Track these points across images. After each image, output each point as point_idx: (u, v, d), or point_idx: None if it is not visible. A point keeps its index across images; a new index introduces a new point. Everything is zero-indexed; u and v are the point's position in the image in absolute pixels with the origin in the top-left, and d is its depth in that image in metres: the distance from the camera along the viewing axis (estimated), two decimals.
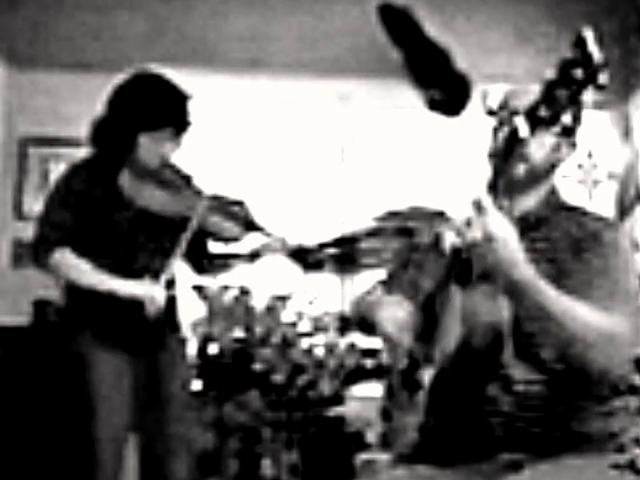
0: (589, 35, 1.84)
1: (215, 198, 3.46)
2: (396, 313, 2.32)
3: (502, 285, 1.97)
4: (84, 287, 3.34)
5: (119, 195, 3.37)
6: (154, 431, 3.45)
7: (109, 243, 3.36)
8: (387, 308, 2.35)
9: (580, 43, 1.85)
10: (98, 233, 3.36)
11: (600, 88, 1.86)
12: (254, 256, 3.66)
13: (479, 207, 1.93)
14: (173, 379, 3.47)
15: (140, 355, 3.42)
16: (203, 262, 3.65)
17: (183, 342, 3.61)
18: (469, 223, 1.94)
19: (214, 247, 3.66)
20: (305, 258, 3.59)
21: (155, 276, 3.37)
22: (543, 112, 1.88)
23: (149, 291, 3.33)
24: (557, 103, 1.87)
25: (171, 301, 3.50)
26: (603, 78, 1.85)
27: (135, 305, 3.34)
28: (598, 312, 1.99)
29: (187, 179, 3.53)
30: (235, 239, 3.55)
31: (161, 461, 3.44)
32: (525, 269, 1.94)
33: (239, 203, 3.54)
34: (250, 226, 3.52)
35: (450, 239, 2.12)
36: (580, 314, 1.96)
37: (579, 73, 1.84)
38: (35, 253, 3.37)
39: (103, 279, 3.33)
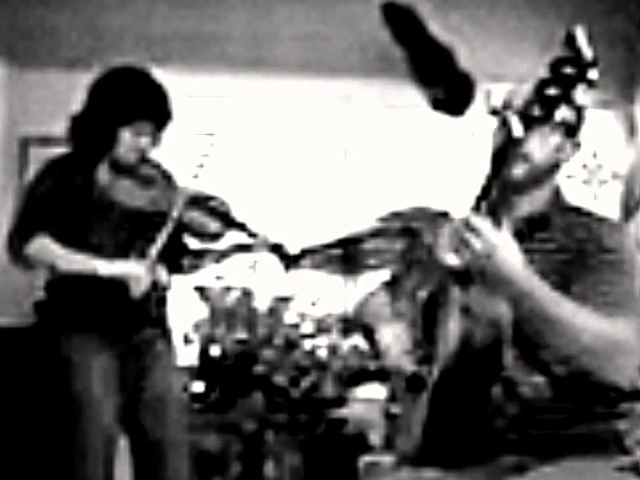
0: (579, 32, 1.85)
1: (195, 194, 3.44)
2: (396, 338, 2.32)
3: (509, 297, 1.98)
4: (65, 271, 3.31)
5: (96, 190, 3.36)
6: (147, 433, 3.43)
7: (86, 239, 3.34)
8: (388, 330, 2.35)
9: (570, 40, 1.85)
10: (74, 229, 3.34)
11: (591, 85, 1.86)
12: (232, 253, 3.64)
13: (469, 226, 1.94)
14: (164, 379, 3.45)
15: (126, 350, 3.39)
16: (180, 260, 3.64)
17: (171, 342, 3.58)
18: (464, 243, 1.94)
19: (192, 244, 3.64)
20: (286, 255, 3.57)
21: None
22: (535, 111, 1.88)
23: (134, 270, 3.30)
24: (549, 101, 1.87)
25: (161, 294, 3.49)
26: (592, 75, 1.85)
27: (119, 293, 3.32)
28: (603, 320, 1.98)
29: (166, 175, 3.52)
30: (215, 236, 3.53)
31: (154, 465, 3.42)
32: (527, 281, 1.95)
33: (219, 200, 3.53)
34: (230, 222, 3.51)
35: (454, 237, 2.10)
36: (585, 323, 1.96)
37: (569, 70, 1.85)
38: (10, 244, 3.35)
39: (84, 260, 3.31)
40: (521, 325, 2.05)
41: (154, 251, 3.36)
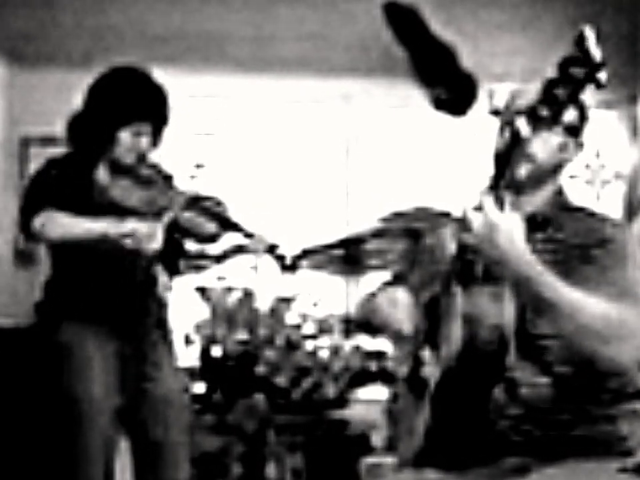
0: (589, 33, 1.84)
1: (193, 196, 3.43)
2: (396, 303, 2.32)
3: (509, 279, 1.98)
4: (76, 238, 3.27)
5: (96, 190, 3.35)
6: (148, 434, 3.43)
7: None
8: (388, 300, 2.35)
9: (580, 41, 1.84)
10: None
11: (600, 86, 1.85)
12: (231, 254, 3.63)
13: (479, 206, 1.95)
14: (166, 380, 3.44)
15: (127, 351, 3.38)
16: (177, 262, 3.62)
17: (172, 343, 3.57)
18: (470, 223, 1.94)
19: (191, 246, 3.63)
20: (282, 257, 3.55)
21: None
22: (543, 111, 1.88)
23: (146, 227, 3.28)
24: (557, 102, 1.87)
25: (162, 295, 3.48)
26: (602, 76, 1.84)
27: (120, 293, 3.33)
28: (604, 302, 1.98)
29: (165, 177, 3.51)
30: (213, 238, 3.52)
31: (155, 466, 3.41)
32: (531, 261, 1.95)
33: (216, 200, 3.52)
34: (228, 224, 3.49)
35: (457, 236, 2.10)
36: (589, 305, 1.96)
37: (578, 71, 1.84)
38: (21, 222, 3.34)
39: (93, 224, 3.25)
40: (524, 309, 2.06)
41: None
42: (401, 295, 2.33)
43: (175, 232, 3.43)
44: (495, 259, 1.95)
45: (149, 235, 3.25)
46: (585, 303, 1.95)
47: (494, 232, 1.92)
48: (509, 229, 1.93)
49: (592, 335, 1.94)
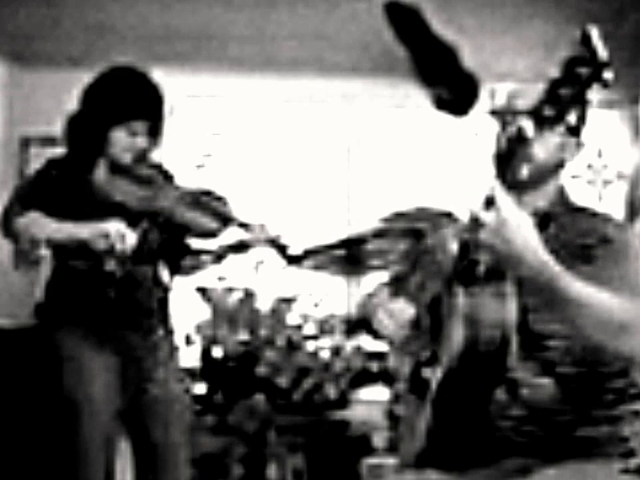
0: (593, 32, 1.83)
1: (193, 193, 3.42)
2: (394, 313, 2.32)
3: (520, 274, 1.95)
4: (49, 238, 3.27)
5: (94, 190, 3.35)
6: (149, 435, 3.42)
7: None
8: (386, 308, 2.35)
9: (585, 40, 1.83)
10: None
11: (605, 85, 1.84)
12: (232, 250, 3.62)
13: (488, 199, 1.93)
14: (167, 381, 3.44)
15: (129, 352, 3.38)
16: (180, 261, 3.62)
17: (173, 343, 3.56)
18: (478, 218, 1.93)
19: (193, 244, 3.62)
20: (286, 251, 3.54)
21: None
22: (547, 111, 1.87)
23: (118, 228, 3.26)
24: (562, 102, 1.86)
25: (164, 295, 3.47)
26: (607, 75, 1.82)
27: (122, 293, 3.32)
28: (612, 297, 1.97)
29: (167, 175, 3.50)
30: (214, 234, 3.52)
31: (156, 467, 3.41)
32: (542, 254, 1.93)
33: (219, 198, 3.51)
34: (229, 221, 3.49)
35: (458, 236, 2.10)
36: (600, 298, 1.95)
37: (583, 70, 1.83)
38: (3, 222, 3.33)
39: (66, 227, 3.25)
40: (531, 297, 2.05)
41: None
42: (398, 305, 2.34)
43: (176, 229, 3.42)
44: (508, 255, 1.92)
45: (120, 235, 3.24)
46: (596, 297, 1.94)
47: (506, 227, 1.90)
48: (521, 223, 1.92)
49: (602, 328, 1.93)
